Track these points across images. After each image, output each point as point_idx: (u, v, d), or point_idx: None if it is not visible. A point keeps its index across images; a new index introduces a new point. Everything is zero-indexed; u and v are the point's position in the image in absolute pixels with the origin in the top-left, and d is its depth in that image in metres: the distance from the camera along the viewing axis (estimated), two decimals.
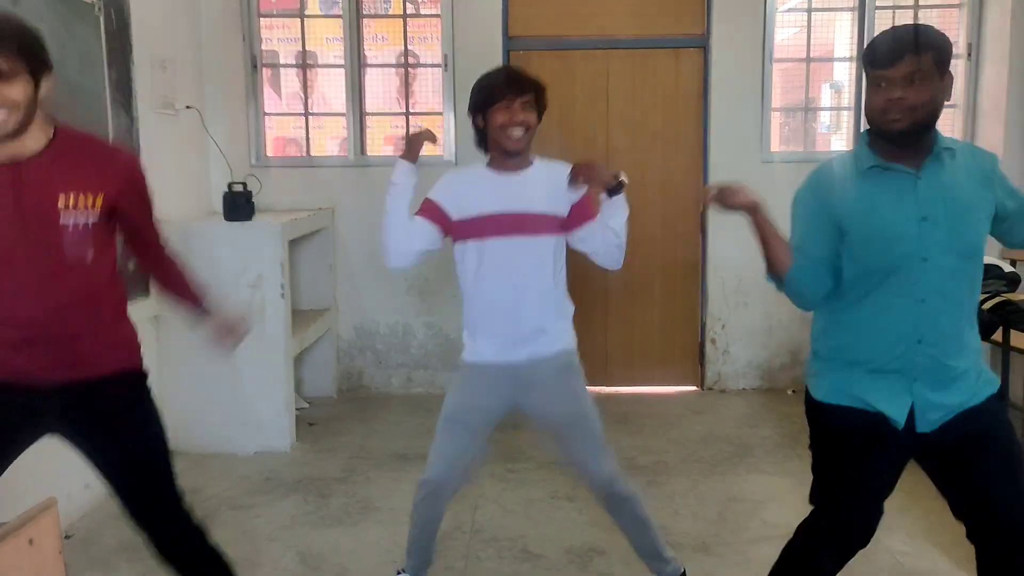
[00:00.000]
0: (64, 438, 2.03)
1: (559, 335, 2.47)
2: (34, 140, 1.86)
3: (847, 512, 2.12)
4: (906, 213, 1.92)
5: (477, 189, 2.41)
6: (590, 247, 2.45)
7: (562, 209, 2.42)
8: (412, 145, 2.44)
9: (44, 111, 1.88)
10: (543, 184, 2.41)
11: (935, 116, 1.93)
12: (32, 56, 1.80)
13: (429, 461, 2.47)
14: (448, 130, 5.03)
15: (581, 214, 2.44)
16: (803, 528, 2.20)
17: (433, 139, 2.46)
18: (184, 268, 2.21)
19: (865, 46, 1.99)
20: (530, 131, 2.37)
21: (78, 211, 1.87)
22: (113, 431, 2.02)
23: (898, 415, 1.96)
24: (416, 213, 2.45)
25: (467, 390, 2.48)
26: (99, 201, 1.90)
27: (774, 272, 2.06)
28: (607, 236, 2.40)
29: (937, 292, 1.92)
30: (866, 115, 1.97)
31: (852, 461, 2.06)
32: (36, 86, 1.82)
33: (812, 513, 2.17)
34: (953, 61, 4.88)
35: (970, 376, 1.98)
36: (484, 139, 2.45)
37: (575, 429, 2.45)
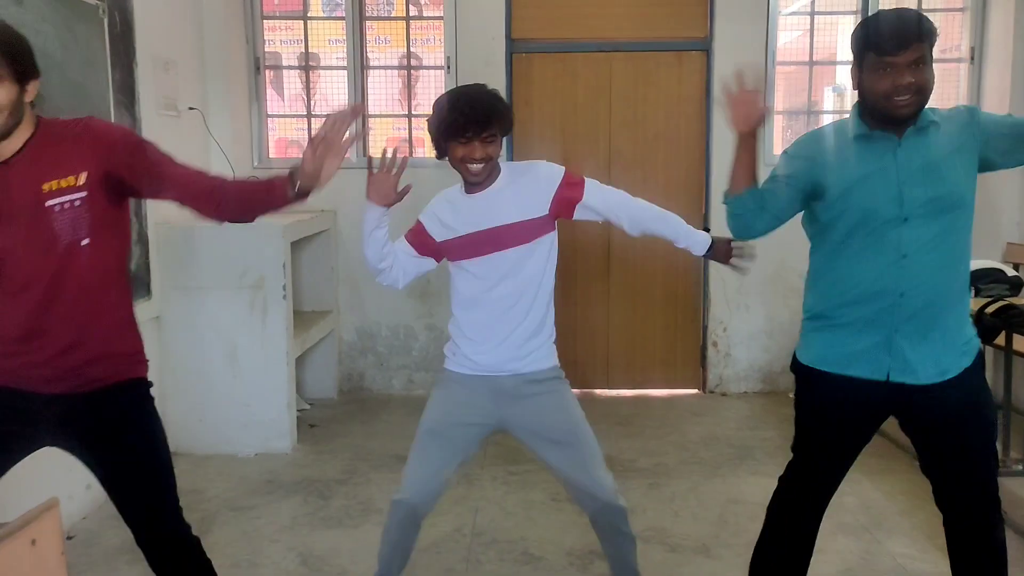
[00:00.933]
0: (63, 447, 2.03)
1: (543, 354, 2.40)
2: (18, 139, 1.88)
3: (816, 465, 2.23)
4: (887, 178, 2.02)
5: (454, 210, 2.39)
6: (601, 218, 2.39)
7: (538, 209, 2.33)
8: (377, 187, 2.29)
9: (31, 113, 1.90)
10: (511, 193, 2.34)
11: (929, 96, 2.02)
12: (17, 61, 1.82)
13: (405, 476, 2.36)
14: None
15: (566, 203, 2.34)
16: (780, 478, 2.32)
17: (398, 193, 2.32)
18: (240, 182, 2.05)
19: (862, 28, 2.03)
20: (491, 161, 2.31)
21: (63, 192, 1.86)
22: (112, 444, 2.00)
23: (878, 372, 2.07)
24: (405, 234, 2.47)
25: (449, 403, 2.40)
26: (83, 177, 1.87)
27: (733, 190, 2.20)
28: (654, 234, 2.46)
29: (921, 248, 2.01)
30: (866, 97, 2.04)
31: (830, 423, 2.18)
32: (22, 90, 1.84)
33: (788, 463, 2.29)
34: (956, 65, 4.94)
35: (952, 332, 2.07)
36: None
37: (566, 444, 2.34)
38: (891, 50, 1.93)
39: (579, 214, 2.37)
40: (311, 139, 1.92)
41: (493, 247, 2.33)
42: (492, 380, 2.37)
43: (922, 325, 2.03)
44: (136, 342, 2.07)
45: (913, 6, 4.91)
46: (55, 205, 1.86)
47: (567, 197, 2.34)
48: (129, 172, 1.92)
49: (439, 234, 2.41)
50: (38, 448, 2.04)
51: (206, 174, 2.01)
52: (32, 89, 1.87)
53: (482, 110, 2.24)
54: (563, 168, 2.38)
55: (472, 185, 2.36)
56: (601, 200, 2.37)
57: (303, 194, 1.97)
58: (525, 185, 2.35)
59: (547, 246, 2.37)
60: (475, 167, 2.28)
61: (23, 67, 1.83)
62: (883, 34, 1.95)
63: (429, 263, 2.48)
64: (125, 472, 2.02)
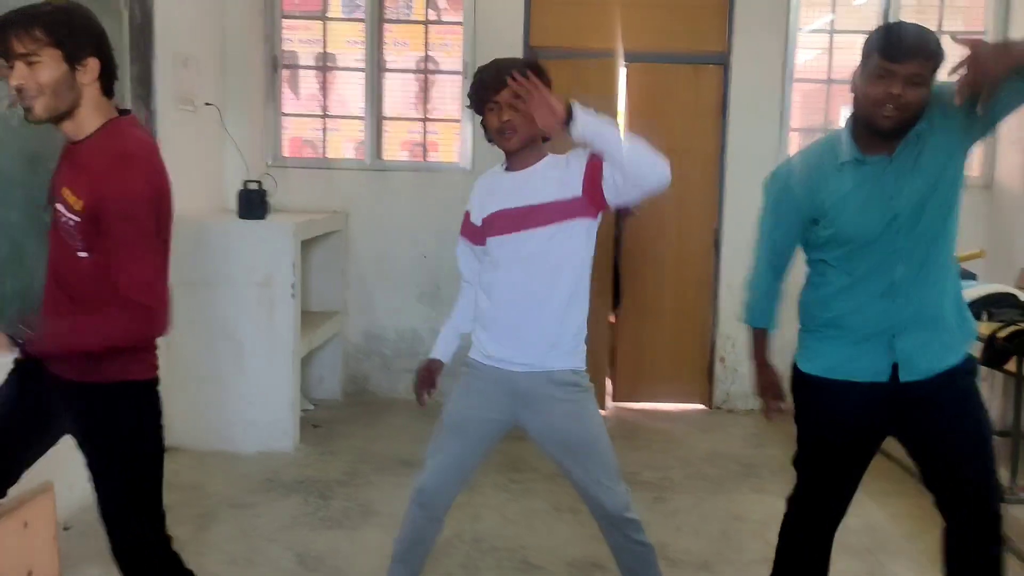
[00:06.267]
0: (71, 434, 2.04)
1: (562, 352, 2.29)
2: (88, 125, 1.87)
3: (827, 478, 2.23)
4: (883, 197, 2.04)
5: (492, 189, 2.38)
6: (621, 181, 2.14)
7: (571, 189, 2.21)
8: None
9: (100, 99, 1.88)
10: (550, 174, 2.27)
11: (917, 118, 2.01)
12: (63, 37, 1.79)
13: (427, 467, 2.38)
14: (465, 138, 5.04)
15: (594, 173, 2.19)
16: (790, 499, 2.31)
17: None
18: (105, 321, 1.85)
19: (877, 32, 2.03)
20: (520, 129, 2.22)
21: (66, 206, 1.86)
22: (84, 439, 1.99)
23: (882, 374, 2.09)
24: (460, 232, 2.48)
25: (467, 396, 2.38)
26: (80, 205, 1.82)
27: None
28: (613, 167, 2.14)
29: (914, 256, 2.05)
30: (858, 101, 2.04)
31: (840, 432, 2.17)
32: (72, 70, 1.82)
33: (797, 482, 2.29)
34: None
35: (948, 321, 2.10)
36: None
37: (580, 452, 2.29)
38: (894, 57, 1.93)
39: (606, 174, 2.16)
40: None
41: (518, 226, 2.26)
42: (507, 375, 2.31)
43: (920, 323, 2.07)
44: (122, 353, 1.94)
45: (933, 27, 4.89)
46: (61, 213, 1.87)
47: (594, 164, 2.19)
48: (104, 227, 1.82)
49: (477, 215, 2.39)
50: (61, 431, 2.05)
51: (119, 286, 1.81)
52: (88, 69, 1.84)
53: (501, 70, 2.22)
54: None
55: (511, 161, 2.34)
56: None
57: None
58: (561, 167, 2.28)
59: (574, 234, 2.25)
60: (505, 132, 2.23)
61: (73, 44, 1.81)
62: (893, 40, 1.96)
63: (480, 251, 2.43)
64: (94, 470, 2.00)
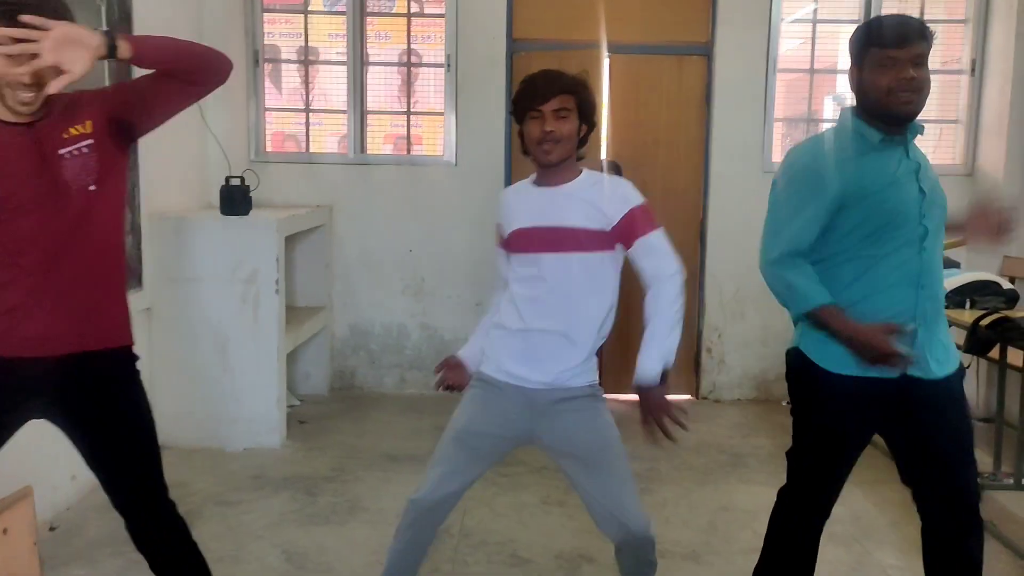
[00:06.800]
0: (55, 417, 2.01)
1: (577, 371, 2.25)
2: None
3: (825, 471, 2.22)
4: (909, 180, 2.06)
5: (520, 203, 2.29)
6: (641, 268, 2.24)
7: (603, 222, 2.18)
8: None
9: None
10: (583, 197, 2.20)
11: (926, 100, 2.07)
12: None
13: (427, 477, 2.24)
14: (449, 131, 5.01)
15: (629, 230, 2.20)
16: (780, 491, 2.31)
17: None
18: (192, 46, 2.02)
19: (866, 28, 2.08)
20: (562, 142, 2.17)
21: (73, 140, 1.92)
22: (102, 409, 2.00)
23: (895, 370, 2.06)
24: (497, 244, 2.40)
25: (484, 412, 2.27)
26: (88, 125, 1.94)
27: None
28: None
29: (932, 241, 2.08)
30: (868, 95, 2.06)
31: (848, 426, 2.16)
32: None
33: (791, 473, 2.29)
34: (957, 77, 4.94)
35: (945, 327, 2.16)
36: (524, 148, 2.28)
37: (595, 465, 2.22)
38: (895, 44, 1.98)
39: (635, 250, 2.22)
40: None
41: (548, 247, 2.19)
42: (522, 391, 2.23)
43: (931, 318, 2.09)
44: (126, 309, 2.08)
45: (916, 15, 4.91)
46: (66, 153, 1.91)
47: (635, 224, 2.19)
48: (124, 109, 1.98)
49: (506, 226, 2.30)
50: (26, 421, 2.01)
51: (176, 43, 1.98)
52: None
53: (550, 79, 2.17)
54: (643, 199, 2.24)
55: (544, 169, 2.24)
56: (656, 250, 2.26)
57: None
58: (598, 193, 2.21)
59: (601, 266, 2.23)
60: (546, 145, 2.16)
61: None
62: (887, 29, 2.01)
63: None
64: (114, 439, 2.01)
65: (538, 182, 2.28)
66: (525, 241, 2.23)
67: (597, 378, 2.31)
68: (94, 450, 2.02)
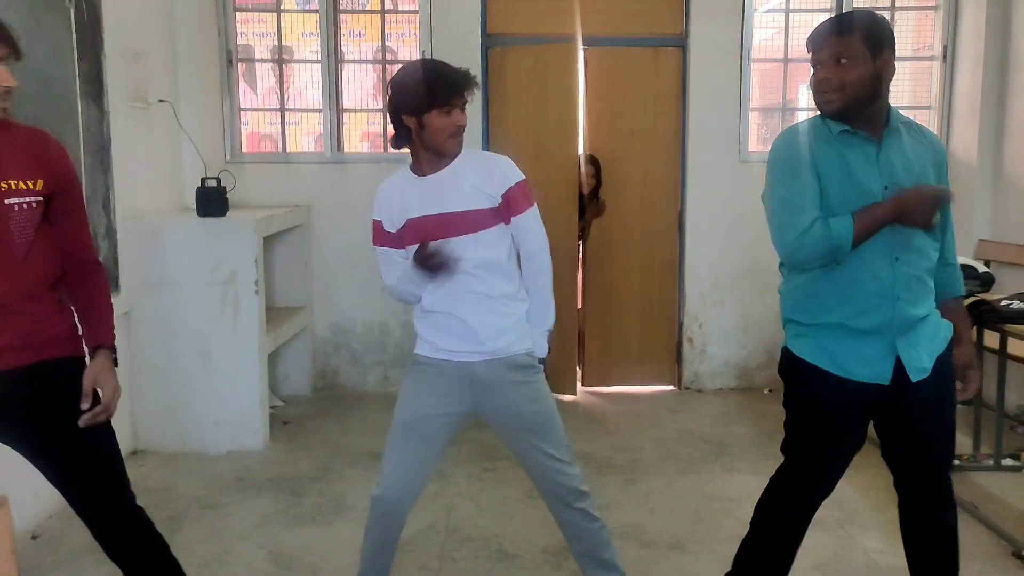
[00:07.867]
0: (11, 433, 1.98)
1: (513, 337, 2.33)
2: None
3: (813, 468, 2.23)
4: (873, 179, 2.03)
5: (406, 195, 2.32)
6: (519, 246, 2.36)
7: (490, 200, 2.28)
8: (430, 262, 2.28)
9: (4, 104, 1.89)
10: (464, 178, 2.28)
11: (872, 94, 2.03)
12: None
13: (382, 474, 2.31)
14: None
15: (509, 207, 2.30)
16: (772, 479, 2.31)
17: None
18: (105, 290, 2.12)
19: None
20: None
21: (23, 193, 1.91)
22: (68, 415, 1.96)
23: (884, 376, 2.07)
24: (374, 243, 2.43)
25: (420, 393, 2.35)
26: (40, 184, 1.94)
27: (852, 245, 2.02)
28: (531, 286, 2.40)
29: (908, 249, 2.04)
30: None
31: (825, 423, 2.17)
32: None
33: (781, 465, 2.28)
34: (929, 63, 4.98)
35: (931, 319, 2.12)
36: (409, 139, 2.30)
37: (539, 431, 2.33)
38: (812, 47, 2.05)
39: (513, 227, 2.33)
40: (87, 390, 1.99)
41: (441, 233, 2.25)
42: (463, 365, 2.32)
43: (915, 325, 2.07)
44: (74, 320, 2.07)
45: (886, 4, 4.95)
46: (14, 204, 1.90)
47: (513, 202, 2.29)
48: (59, 199, 2.00)
49: (393, 223, 2.35)
50: None
51: (91, 247, 2.12)
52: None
53: (459, 76, 2.26)
54: (523, 176, 2.33)
55: (440, 159, 2.29)
56: (529, 229, 2.34)
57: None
58: (479, 172, 2.29)
59: (500, 234, 2.31)
60: (458, 137, 2.26)
61: None
62: (811, 33, 2.06)
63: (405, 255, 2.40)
64: (68, 447, 1.98)
65: (419, 172, 2.33)
66: (419, 232, 2.29)
67: (531, 344, 2.38)
68: (56, 466, 2.00)
